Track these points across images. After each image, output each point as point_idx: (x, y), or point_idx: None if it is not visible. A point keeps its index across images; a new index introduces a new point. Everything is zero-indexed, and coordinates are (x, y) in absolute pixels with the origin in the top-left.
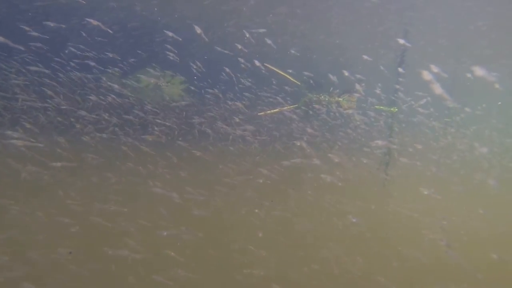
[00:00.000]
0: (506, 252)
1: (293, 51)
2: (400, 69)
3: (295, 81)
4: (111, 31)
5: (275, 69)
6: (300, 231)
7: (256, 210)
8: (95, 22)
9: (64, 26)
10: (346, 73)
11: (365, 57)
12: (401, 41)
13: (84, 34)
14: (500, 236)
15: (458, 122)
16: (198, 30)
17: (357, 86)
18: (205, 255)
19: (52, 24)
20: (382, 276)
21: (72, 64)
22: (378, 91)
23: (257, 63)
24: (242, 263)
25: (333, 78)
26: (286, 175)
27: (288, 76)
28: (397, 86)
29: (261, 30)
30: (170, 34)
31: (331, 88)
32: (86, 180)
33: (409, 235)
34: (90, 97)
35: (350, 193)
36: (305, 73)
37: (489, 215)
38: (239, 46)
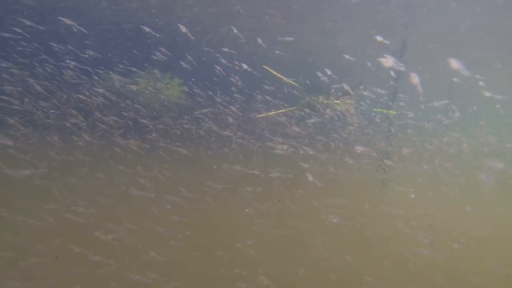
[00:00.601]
0: (488, 248)
1: (291, 54)
2: (392, 73)
3: (294, 83)
4: (86, 31)
5: (273, 71)
6: (290, 231)
7: (247, 210)
8: (68, 21)
9: (42, 28)
10: (329, 72)
11: (347, 56)
12: (379, 38)
13: (79, 35)
14: (485, 233)
15: (452, 124)
16: (184, 29)
17: (355, 89)
18: (193, 256)
19: (28, 23)
20: (369, 275)
21: (67, 64)
22: (376, 93)
23: (245, 65)
24: (232, 262)
25: (329, 80)
26: (279, 177)
27: (286, 79)
28: (382, 91)
29: (288, 39)
30: (147, 29)
31: (332, 90)
32: (70, 180)
33: (397, 235)
34: (83, 97)
35: (344, 195)
36: (287, 78)
37: (476, 213)
38: (226, 49)
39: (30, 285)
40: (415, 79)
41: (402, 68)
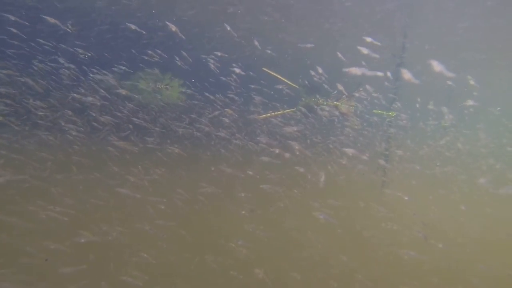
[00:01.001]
0: (481, 248)
1: (291, 56)
2: (388, 74)
3: (293, 85)
4: (70, 30)
5: (273, 73)
6: (283, 231)
7: (243, 212)
8: (52, 20)
9: (40, 27)
10: (320, 71)
11: (339, 55)
12: (368, 39)
13: (77, 35)
14: (478, 234)
15: (450, 126)
16: (173, 28)
17: (355, 90)
18: (185, 257)
19: (13, 18)
20: (365, 276)
21: (63, 64)
22: (370, 94)
23: (237, 69)
24: (226, 263)
25: (322, 80)
26: (274, 178)
27: (286, 80)
28: (373, 93)
29: (309, 45)
30: (133, 27)
31: (335, 92)
32: (62, 181)
33: (394, 235)
34: (78, 97)
35: (343, 197)
36: (286, 79)
37: (472, 215)
38: (219, 53)
39: (22, 286)
40: (407, 75)
41: (380, 74)
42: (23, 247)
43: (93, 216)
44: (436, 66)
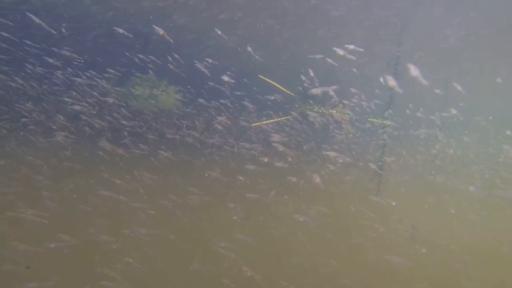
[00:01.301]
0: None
1: (286, 62)
2: (381, 80)
3: (289, 92)
4: (54, 32)
5: (269, 80)
6: (273, 237)
7: (235, 217)
8: (37, 20)
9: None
10: (312, 74)
11: (329, 60)
12: (351, 46)
13: (73, 39)
14: (468, 237)
15: (441, 135)
16: (161, 31)
17: (351, 98)
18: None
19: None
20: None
21: (58, 69)
22: (370, 103)
23: (226, 77)
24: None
25: (312, 85)
26: (267, 185)
27: (282, 88)
28: (363, 101)
29: (318, 56)
30: (121, 31)
31: (333, 99)
32: (48, 185)
33: (388, 242)
34: (69, 101)
35: (337, 204)
36: (281, 86)
37: (460, 219)
38: (209, 59)
39: None
40: (391, 82)
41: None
42: (4, 254)
43: (82, 221)
44: (413, 70)
